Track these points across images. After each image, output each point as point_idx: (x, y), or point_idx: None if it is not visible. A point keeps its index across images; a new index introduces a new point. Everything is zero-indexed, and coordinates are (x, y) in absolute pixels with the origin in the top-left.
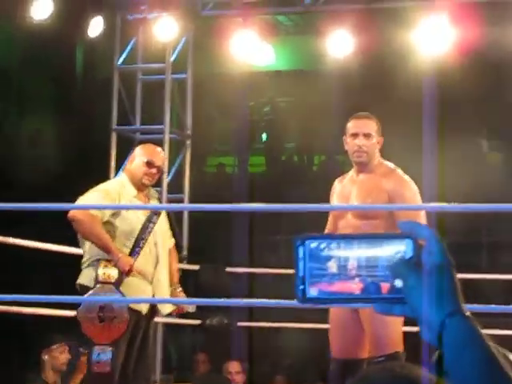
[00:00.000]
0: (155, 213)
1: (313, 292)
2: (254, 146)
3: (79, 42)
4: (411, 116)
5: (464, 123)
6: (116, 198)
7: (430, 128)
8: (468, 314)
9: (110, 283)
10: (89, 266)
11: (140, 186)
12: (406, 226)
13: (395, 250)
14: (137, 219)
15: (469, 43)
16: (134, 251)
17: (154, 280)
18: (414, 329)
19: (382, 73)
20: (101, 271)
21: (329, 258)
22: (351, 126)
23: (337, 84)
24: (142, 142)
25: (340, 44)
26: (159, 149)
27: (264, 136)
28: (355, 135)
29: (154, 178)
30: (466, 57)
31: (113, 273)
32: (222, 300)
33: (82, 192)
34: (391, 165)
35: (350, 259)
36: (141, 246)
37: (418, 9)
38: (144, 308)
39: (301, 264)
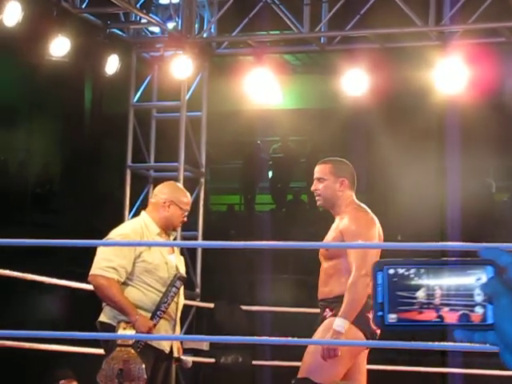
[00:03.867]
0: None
1: (392, 319)
2: (261, 185)
3: (94, 80)
4: (427, 153)
5: (476, 162)
6: (138, 240)
7: (452, 164)
8: None
9: (128, 346)
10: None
11: (168, 228)
12: (487, 253)
13: (476, 277)
14: (160, 255)
15: (484, 82)
16: (156, 314)
17: (176, 320)
18: None
19: (397, 111)
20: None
21: (410, 285)
22: None
23: (349, 122)
24: (156, 179)
25: (354, 82)
26: (188, 193)
27: (270, 173)
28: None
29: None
30: (481, 96)
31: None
32: (238, 337)
33: (96, 231)
34: (361, 205)
35: (432, 286)
36: (163, 309)
37: (432, 49)
38: (167, 346)
39: (379, 290)
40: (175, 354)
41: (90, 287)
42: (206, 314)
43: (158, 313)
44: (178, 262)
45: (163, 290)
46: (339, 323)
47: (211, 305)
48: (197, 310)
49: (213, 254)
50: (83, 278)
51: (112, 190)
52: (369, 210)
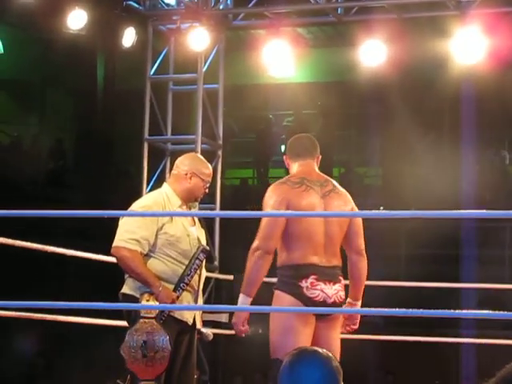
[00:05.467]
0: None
1: None
2: (274, 159)
3: (110, 53)
4: (443, 125)
5: (492, 134)
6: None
7: (469, 137)
8: None
9: (151, 318)
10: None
11: (190, 200)
12: None
13: None
14: (182, 227)
15: (502, 53)
16: (179, 286)
17: (199, 292)
18: None
19: (414, 82)
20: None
21: None
22: None
23: (365, 94)
24: (173, 152)
25: (372, 53)
26: (209, 165)
27: (283, 148)
28: None
29: None
30: (499, 66)
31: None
32: (256, 307)
33: (110, 206)
34: (291, 176)
35: None
36: (186, 281)
37: (450, 18)
38: (190, 318)
39: None
40: (198, 326)
41: (108, 259)
42: (225, 286)
43: (182, 285)
44: (200, 235)
45: (186, 262)
46: (240, 298)
47: (230, 277)
48: (215, 283)
49: (230, 228)
50: (91, 251)
51: (127, 166)
52: (293, 180)
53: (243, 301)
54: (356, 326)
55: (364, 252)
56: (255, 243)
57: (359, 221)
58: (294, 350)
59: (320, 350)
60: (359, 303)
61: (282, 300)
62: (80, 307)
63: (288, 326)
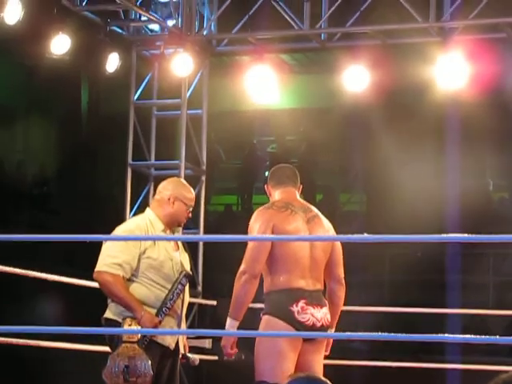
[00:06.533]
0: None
1: None
2: (258, 185)
3: (93, 78)
4: (427, 150)
5: (475, 160)
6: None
7: (453, 162)
8: None
9: (133, 342)
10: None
11: (173, 224)
12: None
13: None
14: (165, 251)
15: (484, 79)
16: (161, 311)
17: (181, 316)
18: None
19: (397, 107)
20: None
21: None
22: None
23: (348, 120)
24: (157, 177)
25: (355, 79)
26: (192, 189)
27: (267, 173)
28: None
29: None
30: (482, 92)
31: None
32: (241, 332)
33: (94, 232)
34: (275, 202)
35: None
36: (168, 306)
37: (433, 45)
38: (172, 343)
39: None
40: (181, 351)
41: (90, 284)
42: (209, 311)
43: (164, 309)
44: (183, 260)
45: (168, 286)
46: (227, 322)
47: (214, 302)
48: (199, 308)
49: (214, 253)
50: (74, 276)
51: (110, 191)
52: (278, 205)
53: (231, 324)
54: (327, 352)
55: (343, 281)
56: (242, 267)
57: (340, 250)
58: (290, 377)
59: (316, 376)
60: (333, 330)
61: (273, 325)
62: (61, 332)
63: (277, 351)
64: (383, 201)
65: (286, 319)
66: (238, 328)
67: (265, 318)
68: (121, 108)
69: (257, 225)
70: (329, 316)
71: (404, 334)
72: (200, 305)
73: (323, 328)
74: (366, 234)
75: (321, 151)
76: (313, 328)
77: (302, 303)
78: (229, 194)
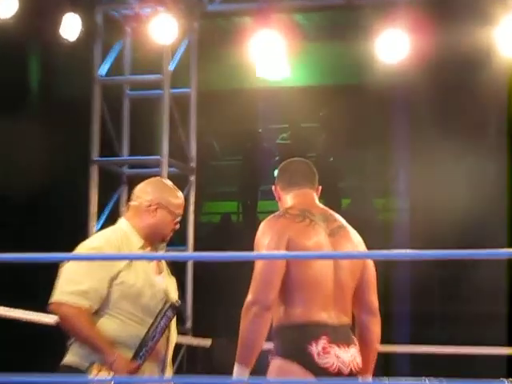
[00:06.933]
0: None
1: None
2: (264, 188)
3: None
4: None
5: None
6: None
7: None
8: None
9: None
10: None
11: (155, 239)
12: None
13: None
14: (144, 275)
15: None
16: (140, 353)
17: (166, 361)
18: None
19: (446, 84)
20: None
21: None
22: None
23: (381, 101)
24: (131, 177)
25: (390, 47)
26: (179, 193)
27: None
28: None
29: None
30: None
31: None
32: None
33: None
34: (289, 208)
35: None
36: (149, 347)
37: (495, 1)
38: None
39: None
40: None
41: (46, 319)
42: (201, 353)
43: (143, 351)
44: (169, 285)
45: (149, 321)
46: (235, 369)
47: (207, 342)
48: (188, 349)
49: (207, 277)
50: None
51: (69, 196)
52: (292, 213)
53: (240, 372)
54: None
55: (378, 311)
56: (250, 297)
57: (373, 271)
58: None
59: None
60: (369, 378)
61: (286, 371)
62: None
63: None
64: (430, 208)
65: (302, 363)
66: None
67: (275, 363)
68: (82, 87)
69: (266, 239)
70: (359, 359)
71: None
72: (189, 346)
73: (352, 375)
74: (408, 250)
75: (347, 143)
76: (339, 375)
77: (323, 342)
78: (226, 199)
